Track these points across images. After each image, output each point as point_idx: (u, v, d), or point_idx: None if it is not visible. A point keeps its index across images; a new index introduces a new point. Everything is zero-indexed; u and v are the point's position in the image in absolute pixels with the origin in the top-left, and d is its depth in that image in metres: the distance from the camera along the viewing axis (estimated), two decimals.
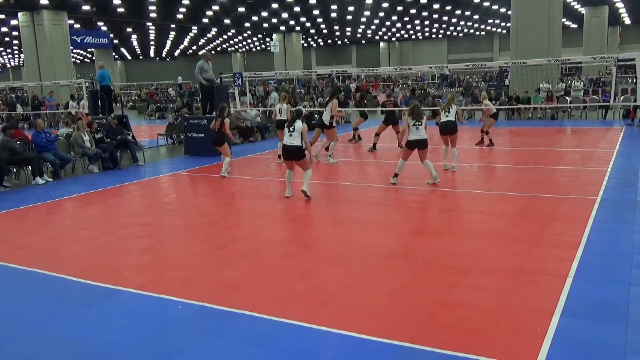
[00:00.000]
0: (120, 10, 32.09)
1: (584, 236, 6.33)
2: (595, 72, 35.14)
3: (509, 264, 5.60)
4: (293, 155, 8.61)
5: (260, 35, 55.96)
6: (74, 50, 48.14)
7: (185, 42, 57.95)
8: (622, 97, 20.30)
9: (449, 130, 10.73)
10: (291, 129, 8.56)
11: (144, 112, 31.41)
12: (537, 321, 4.29)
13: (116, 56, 64.92)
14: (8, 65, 73.47)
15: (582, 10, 39.73)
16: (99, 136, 12.98)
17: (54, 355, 4.15)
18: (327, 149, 12.62)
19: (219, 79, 16.36)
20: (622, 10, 40.52)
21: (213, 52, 61.85)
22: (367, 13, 42.30)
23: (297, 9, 38.39)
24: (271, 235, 7.15)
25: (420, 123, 9.33)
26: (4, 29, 38.81)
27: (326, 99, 12.98)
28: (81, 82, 23.98)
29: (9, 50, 57.34)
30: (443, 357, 3.83)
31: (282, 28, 46.29)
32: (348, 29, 53.44)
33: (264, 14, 38.65)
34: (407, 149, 9.57)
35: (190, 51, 65.37)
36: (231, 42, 61.82)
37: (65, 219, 8.69)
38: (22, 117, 26.12)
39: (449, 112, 10.83)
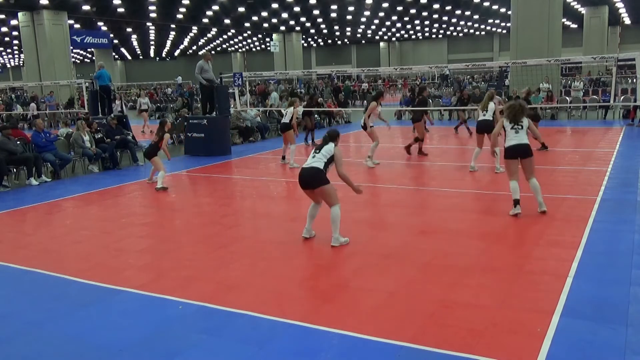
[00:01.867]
0: (120, 10, 32.11)
1: (584, 236, 6.33)
2: (595, 72, 35.17)
3: (509, 264, 5.60)
4: (309, 182, 6.33)
5: (260, 35, 55.99)
6: (74, 50, 48.16)
7: (185, 42, 57.98)
8: (622, 97, 20.30)
9: (485, 129, 10.42)
10: (316, 150, 6.45)
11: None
12: (537, 321, 4.29)
13: (116, 56, 64.93)
14: (8, 65, 73.48)
15: (582, 10, 39.75)
16: (99, 136, 12.99)
17: (54, 355, 4.15)
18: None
19: (219, 79, 16.35)
20: (622, 10, 40.54)
21: (213, 52, 61.87)
22: (367, 13, 42.33)
23: (297, 9, 38.42)
24: (271, 235, 7.15)
25: (520, 126, 7.37)
26: (4, 29, 38.83)
27: (366, 102, 12.56)
28: (81, 82, 24.01)
29: (9, 50, 57.36)
30: (443, 357, 3.83)
31: (282, 28, 46.30)
32: (348, 29, 53.47)
33: (264, 14, 38.66)
34: (507, 159, 7.45)
35: (190, 51, 65.42)
36: (231, 42, 61.86)
37: (65, 219, 8.68)
38: (22, 117, 26.14)
39: (486, 110, 10.65)
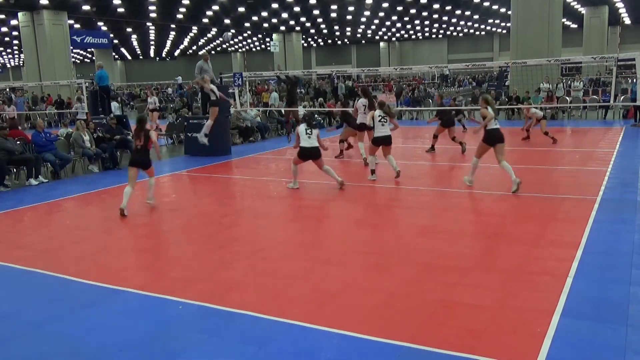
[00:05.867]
0: (120, 10, 32.09)
1: (584, 236, 6.33)
2: (595, 72, 35.15)
3: (509, 264, 5.60)
4: (316, 155, 9.28)
5: (260, 35, 55.96)
6: (74, 50, 48.13)
7: (185, 42, 57.96)
8: (622, 97, 20.30)
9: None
10: (309, 132, 9.15)
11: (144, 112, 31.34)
12: (537, 321, 4.29)
13: (116, 56, 64.90)
14: (8, 65, 73.44)
15: (582, 10, 39.74)
16: (98, 135, 12.94)
17: (54, 355, 4.15)
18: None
19: (219, 79, 16.34)
20: (622, 10, 40.52)
21: (213, 52, 61.83)
22: (367, 13, 42.32)
23: (297, 9, 38.41)
24: (271, 235, 7.15)
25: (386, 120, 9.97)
26: (4, 29, 38.82)
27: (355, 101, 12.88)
28: (81, 82, 23.99)
29: (9, 50, 57.33)
30: (443, 357, 3.83)
31: (282, 28, 46.29)
32: (348, 29, 53.45)
33: (264, 14, 38.66)
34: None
35: (190, 51, 65.38)
36: (231, 42, 61.80)
37: (65, 219, 8.68)
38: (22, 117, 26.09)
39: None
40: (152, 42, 57.29)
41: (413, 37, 66.52)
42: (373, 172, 10.21)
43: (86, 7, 30.25)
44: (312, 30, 51.66)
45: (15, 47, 50.30)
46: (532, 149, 13.44)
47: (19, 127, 15.27)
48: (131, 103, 36.33)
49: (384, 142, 10.04)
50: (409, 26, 54.60)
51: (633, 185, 8.92)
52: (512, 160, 12.16)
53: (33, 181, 11.22)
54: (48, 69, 28.62)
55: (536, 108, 15.37)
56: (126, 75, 75.96)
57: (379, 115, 9.95)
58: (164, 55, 68.23)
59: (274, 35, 47.93)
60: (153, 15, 35.10)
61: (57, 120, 25.12)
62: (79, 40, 30.01)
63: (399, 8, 41.01)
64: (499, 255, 5.92)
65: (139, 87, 54.23)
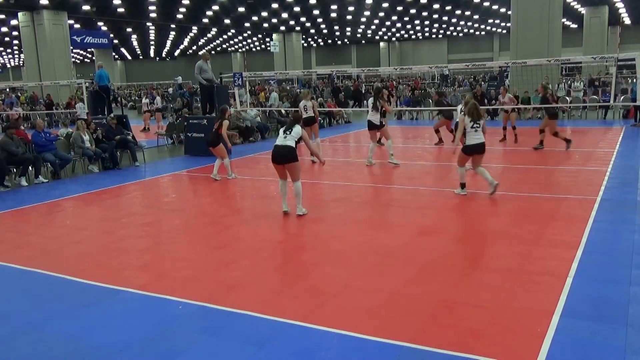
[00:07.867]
0: (120, 10, 32.09)
1: (584, 236, 6.33)
2: (595, 72, 35.15)
3: (509, 264, 5.60)
4: (285, 157, 7.56)
5: (260, 35, 55.98)
6: (74, 50, 48.15)
7: (185, 42, 57.96)
8: (622, 97, 20.29)
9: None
10: (288, 131, 7.64)
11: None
12: (537, 321, 4.29)
13: (116, 56, 64.91)
14: (8, 65, 73.45)
15: (582, 10, 39.76)
16: (96, 136, 12.94)
17: (54, 355, 4.15)
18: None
19: (219, 79, 16.33)
20: (622, 10, 40.54)
21: (213, 52, 61.86)
22: (367, 13, 42.31)
23: (297, 9, 38.41)
24: (271, 235, 7.15)
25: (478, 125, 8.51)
26: (4, 29, 38.81)
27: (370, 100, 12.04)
28: (81, 82, 23.99)
29: (9, 50, 57.33)
30: (443, 357, 3.83)
31: (282, 28, 46.30)
32: (348, 29, 53.44)
33: (264, 14, 38.66)
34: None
35: (190, 51, 65.40)
36: (231, 42, 61.84)
37: (65, 219, 8.69)
38: (22, 117, 26.13)
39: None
40: (152, 42, 57.29)
41: (413, 37, 66.53)
42: (463, 185, 8.83)
43: (86, 7, 30.25)
44: (312, 30, 51.66)
45: (15, 47, 50.30)
46: (532, 149, 13.43)
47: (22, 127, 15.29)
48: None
49: (478, 150, 8.57)
50: (409, 26, 54.60)
51: (633, 185, 8.92)
52: (512, 161, 12.20)
53: (24, 181, 11.17)
54: (48, 69, 28.63)
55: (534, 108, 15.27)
56: (126, 75, 75.95)
57: (470, 121, 8.54)
58: (164, 55, 68.24)
59: (274, 35, 47.95)
60: (153, 15, 35.10)
61: (50, 121, 25.04)
62: (79, 40, 29.99)
63: (399, 8, 41.00)
64: (499, 255, 5.92)
65: (139, 87, 54.26)
